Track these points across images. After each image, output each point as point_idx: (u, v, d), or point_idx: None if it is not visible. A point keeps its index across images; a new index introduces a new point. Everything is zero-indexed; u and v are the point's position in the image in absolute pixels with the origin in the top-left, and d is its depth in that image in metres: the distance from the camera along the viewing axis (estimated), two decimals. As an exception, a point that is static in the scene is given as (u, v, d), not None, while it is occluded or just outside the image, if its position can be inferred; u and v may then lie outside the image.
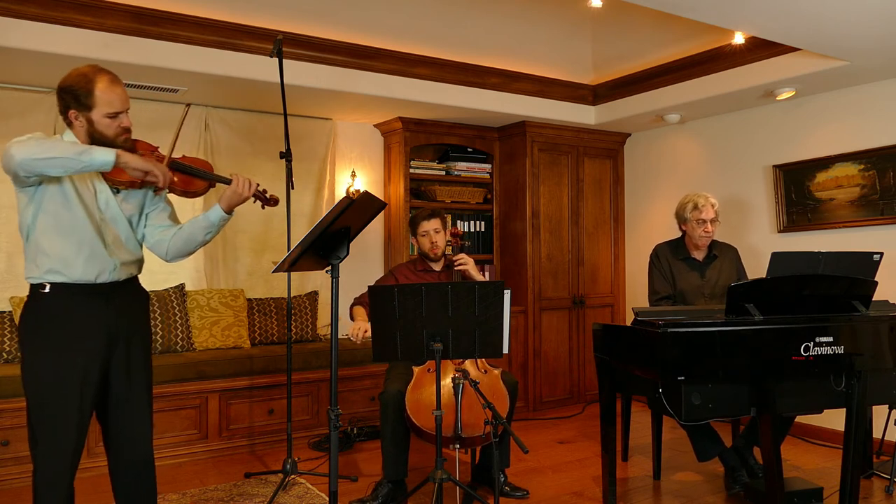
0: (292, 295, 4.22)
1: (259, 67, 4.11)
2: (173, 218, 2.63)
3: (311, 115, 5.19)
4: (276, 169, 5.04)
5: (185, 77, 4.11)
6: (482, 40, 4.76)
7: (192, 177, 2.49)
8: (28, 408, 2.36)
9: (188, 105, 2.67)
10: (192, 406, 4.22)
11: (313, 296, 5.14)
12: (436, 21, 4.49)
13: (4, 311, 4.17)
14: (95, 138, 2.35)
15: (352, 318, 3.54)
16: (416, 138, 5.37)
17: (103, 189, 2.43)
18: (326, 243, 2.57)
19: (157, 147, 2.52)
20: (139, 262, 2.56)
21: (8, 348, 4.08)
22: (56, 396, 2.33)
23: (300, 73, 4.29)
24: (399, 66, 4.66)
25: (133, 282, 2.54)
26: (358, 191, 5.19)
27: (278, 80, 3.68)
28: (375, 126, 5.54)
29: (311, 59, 4.34)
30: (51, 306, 2.35)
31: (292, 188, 3.75)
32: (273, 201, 2.66)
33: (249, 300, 4.92)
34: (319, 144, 5.28)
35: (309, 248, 2.56)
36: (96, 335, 2.38)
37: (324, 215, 2.45)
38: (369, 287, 2.75)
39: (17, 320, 4.17)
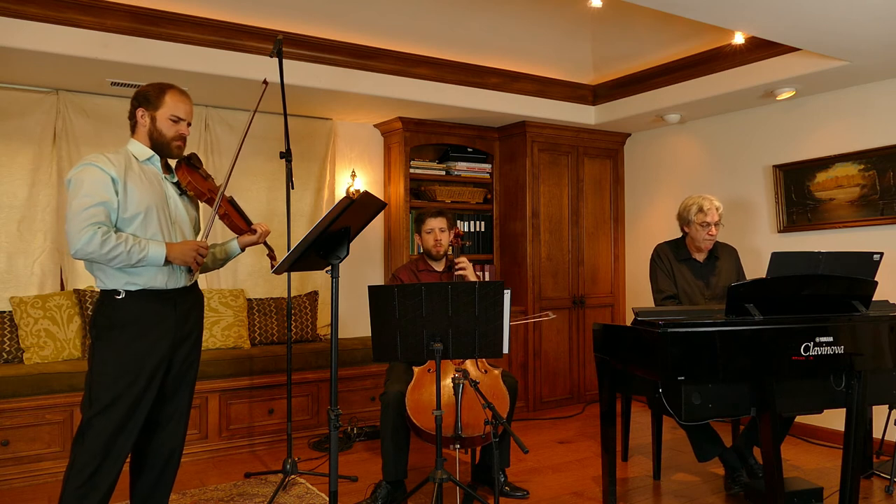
0: (292, 295, 4.23)
1: (259, 67, 4.10)
2: None
3: (311, 115, 5.19)
4: (276, 169, 5.05)
5: (185, 77, 4.10)
6: (482, 40, 4.75)
7: (241, 217, 2.79)
8: (89, 406, 2.44)
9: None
10: (192, 406, 4.21)
11: (313, 296, 5.14)
12: (436, 21, 4.49)
13: (4, 312, 4.17)
14: (154, 137, 2.58)
15: None
16: (416, 138, 5.37)
17: (171, 194, 2.62)
18: (326, 243, 2.58)
19: (212, 175, 2.78)
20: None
21: (8, 348, 4.08)
22: (123, 396, 2.43)
23: (300, 73, 4.29)
24: (399, 66, 4.66)
25: (195, 285, 2.72)
26: (358, 191, 5.19)
27: (278, 80, 3.68)
28: (375, 126, 5.53)
29: (311, 59, 4.34)
30: (124, 311, 2.48)
31: (292, 188, 3.75)
32: (273, 260, 2.91)
33: (249, 300, 4.91)
34: (319, 144, 5.28)
35: (309, 248, 2.56)
36: (164, 339, 2.53)
37: (324, 215, 2.46)
38: (369, 287, 2.75)
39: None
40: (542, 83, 5.28)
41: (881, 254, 3.37)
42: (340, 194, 5.31)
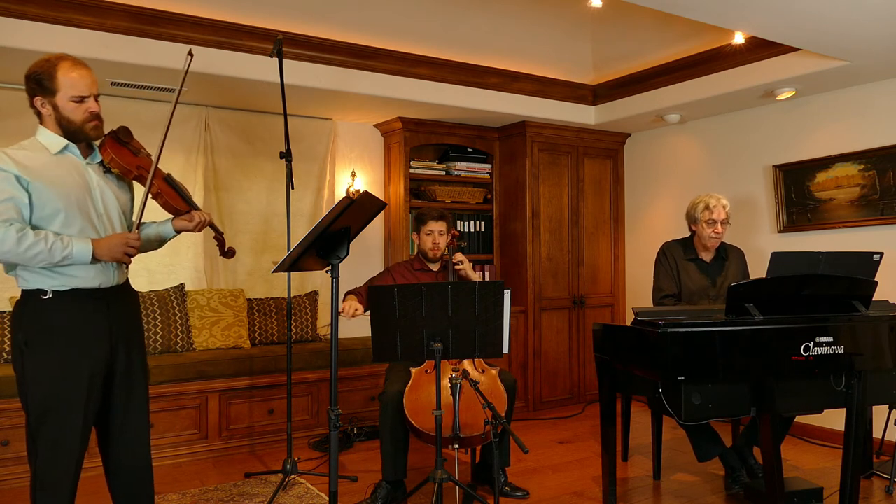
0: (292, 295, 4.22)
1: (259, 67, 4.11)
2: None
3: (311, 115, 5.19)
4: (276, 169, 5.05)
5: (186, 77, 4.09)
6: (482, 40, 4.75)
7: (179, 197, 2.52)
8: (28, 417, 2.28)
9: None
10: (192, 406, 4.22)
11: (313, 296, 5.14)
12: (436, 21, 4.49)
13: (4, 312, 4.17)
14: (64, 125, 2.30)
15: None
16: (416, 138, 5.37)
17: (96, 183, 2.37)
18: (326, 243, 2.57)
19: (145, 149, 2.51)
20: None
21: (8, 348, 4.08)
22: (61, 405, 2.26)
23: (300, 73, 4.29)
24: (399, 66, 4.66)
25: (127, 284, 2.51)
26: (358, 191, 5.19)
27: (278, 80, 3.68)
28: (375, 126, 5.54)
29: (311, 59, 4.34)
30: (53, 313, 2.26)
31: (292, 188, 3.75)
32: (229, 253, 2.70)
33: (249, 300, 4.92)
34: (319, 144, 5.28)
35: (309, 248, 2.56)
36: (100, 342, 2.33)
37: (324, 215, 2.45)
38: (369, 287, 2.76)
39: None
40: (542, 83, 5.28)
41: (881, 254, 3.37)
42: (340, 194, 5.31)
